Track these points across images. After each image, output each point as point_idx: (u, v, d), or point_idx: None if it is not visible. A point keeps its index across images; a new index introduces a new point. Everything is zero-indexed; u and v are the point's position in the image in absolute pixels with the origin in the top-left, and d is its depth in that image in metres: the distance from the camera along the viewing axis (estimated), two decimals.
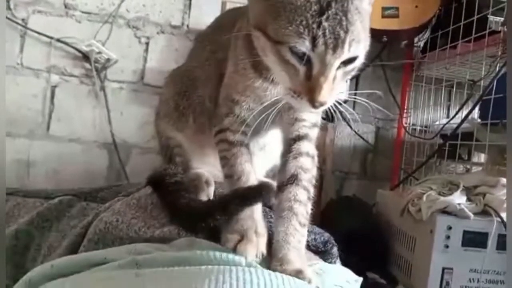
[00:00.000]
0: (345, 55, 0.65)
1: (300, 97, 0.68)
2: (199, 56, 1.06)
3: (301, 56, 0.65)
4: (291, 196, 0.79)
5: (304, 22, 0.63)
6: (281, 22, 0.64)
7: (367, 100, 0.80)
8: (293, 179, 0.81)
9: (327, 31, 0.63)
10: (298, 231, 0.77)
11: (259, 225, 0.76)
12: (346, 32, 0.63)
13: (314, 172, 0.85)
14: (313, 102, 0.66)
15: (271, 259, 0.73)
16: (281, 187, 0.82)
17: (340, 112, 0.74)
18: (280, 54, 0.67)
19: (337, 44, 0.63)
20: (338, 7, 0.63)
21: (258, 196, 0.76)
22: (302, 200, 0.80)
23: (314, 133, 0.87)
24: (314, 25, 0.63)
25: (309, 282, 0.69)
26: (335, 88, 0.68)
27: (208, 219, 0.76)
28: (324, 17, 0.63)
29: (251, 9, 0.74)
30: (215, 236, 0.76)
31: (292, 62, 0.66)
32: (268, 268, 0.68)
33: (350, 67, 0.69)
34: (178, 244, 0.76)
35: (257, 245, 0.72)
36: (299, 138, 0.84)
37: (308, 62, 0.65)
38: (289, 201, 0.79)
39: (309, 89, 0.66)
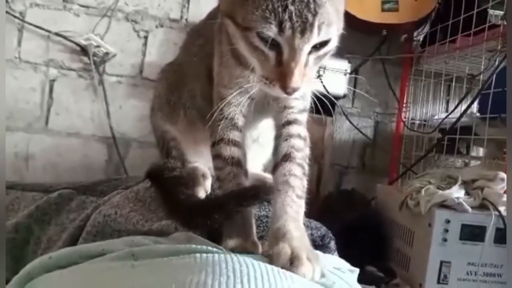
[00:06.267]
0: (315, 39, 0.64)
1: (272, 83, 0.68)
2: (189, 50, 1.07)
3: (269, 41, 0.64)
4: (286, 171, 0.79)
5: (270, 7, 0.62)
6: (248, 7, 0.64)
7: (366, 94, 0.80)
8: (287, 157, 0.81)
9: (293, 14, 0.62)
10: (295, 202, 0.76)
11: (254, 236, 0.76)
12: (315, 15, 0.63)
13: (307, 151, 0.85)
14: (285, 89, 0.66)
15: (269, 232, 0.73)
16: (276, 166, 0.82)
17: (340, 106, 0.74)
18: (249, 41, 0.67)
19: (305, 27, 0.63)
20: None
21: (255, 197, 0.75)
22: (297, 175, 0.79)
23: (303, 117, 0.87)
24: (280, 9, 0.62)
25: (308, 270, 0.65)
26: (307, 73, 0.67)
27: (204, 217, 0.76)
28: (290, 0, 0.62)
29: None
30: (212, 233, 0.77)
31: (261, 48, 0.66)
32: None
33: (322, 51, 0.68)
34: (175, 238, 0.77)
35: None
36: (289, 123, 0.84)
37: (277, 48, 0.65)
38: (284, 176, 0.78)
39: (280, 75, 0.66)
